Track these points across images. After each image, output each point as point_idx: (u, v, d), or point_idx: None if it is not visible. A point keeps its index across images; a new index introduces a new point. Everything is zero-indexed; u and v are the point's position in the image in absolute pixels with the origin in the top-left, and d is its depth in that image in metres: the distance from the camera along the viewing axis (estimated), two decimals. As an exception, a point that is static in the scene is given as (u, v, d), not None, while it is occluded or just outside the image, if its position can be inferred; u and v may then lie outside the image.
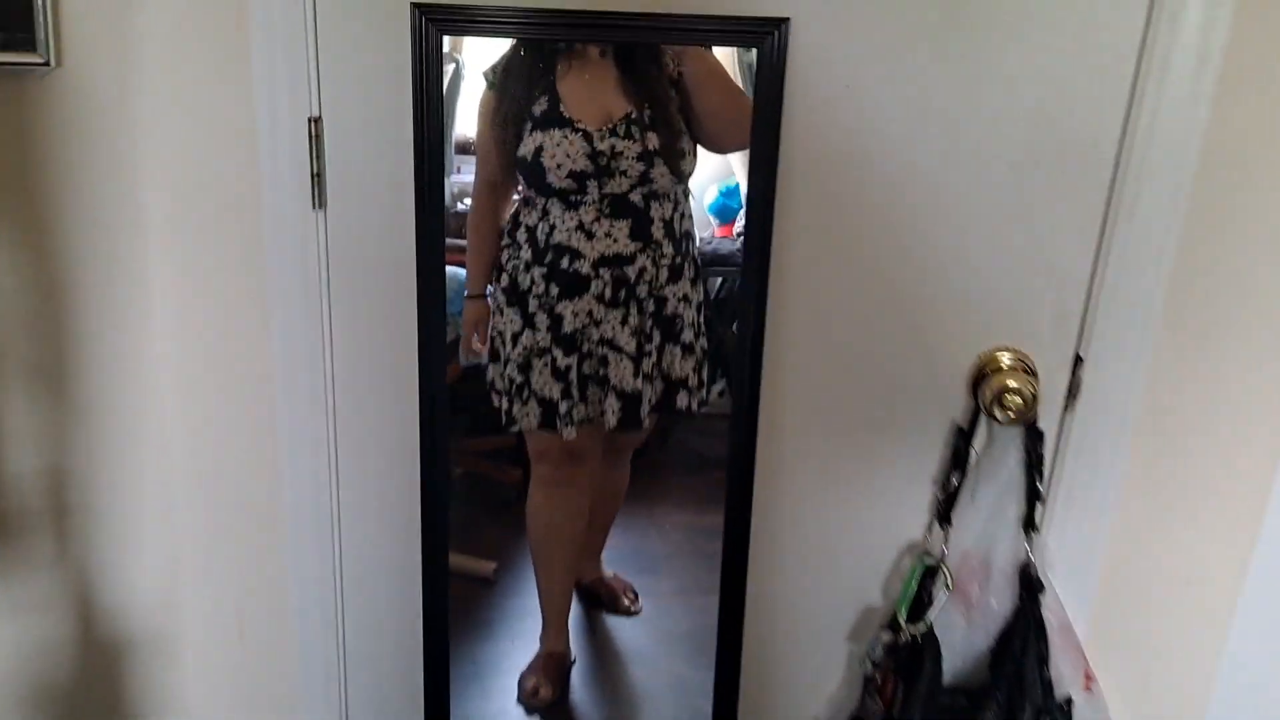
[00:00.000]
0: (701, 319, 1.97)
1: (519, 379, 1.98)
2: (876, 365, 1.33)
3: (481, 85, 1.61)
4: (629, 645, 2.15)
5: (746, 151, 1.34)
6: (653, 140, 1.71)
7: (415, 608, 1.48)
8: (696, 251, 1.94)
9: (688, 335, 1.92)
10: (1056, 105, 1.21)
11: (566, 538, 2.12)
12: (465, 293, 2.02)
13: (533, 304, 1.98)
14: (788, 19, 1.20)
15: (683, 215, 1.87)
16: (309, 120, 1.28)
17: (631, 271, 1.84)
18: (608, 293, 1.87)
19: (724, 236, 3.10)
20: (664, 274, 1.84)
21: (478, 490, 2.30)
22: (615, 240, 1.82)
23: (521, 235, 1.93)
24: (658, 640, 2.48)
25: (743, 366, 1.37)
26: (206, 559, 1.47)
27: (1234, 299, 1.25)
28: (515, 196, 1.86)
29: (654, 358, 1.90)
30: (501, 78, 1.76)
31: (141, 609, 1.46)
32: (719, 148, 1.78)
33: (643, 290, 1.86)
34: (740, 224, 2.57)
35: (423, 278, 1.32)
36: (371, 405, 1.41)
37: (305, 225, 1.32)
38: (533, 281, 1.97)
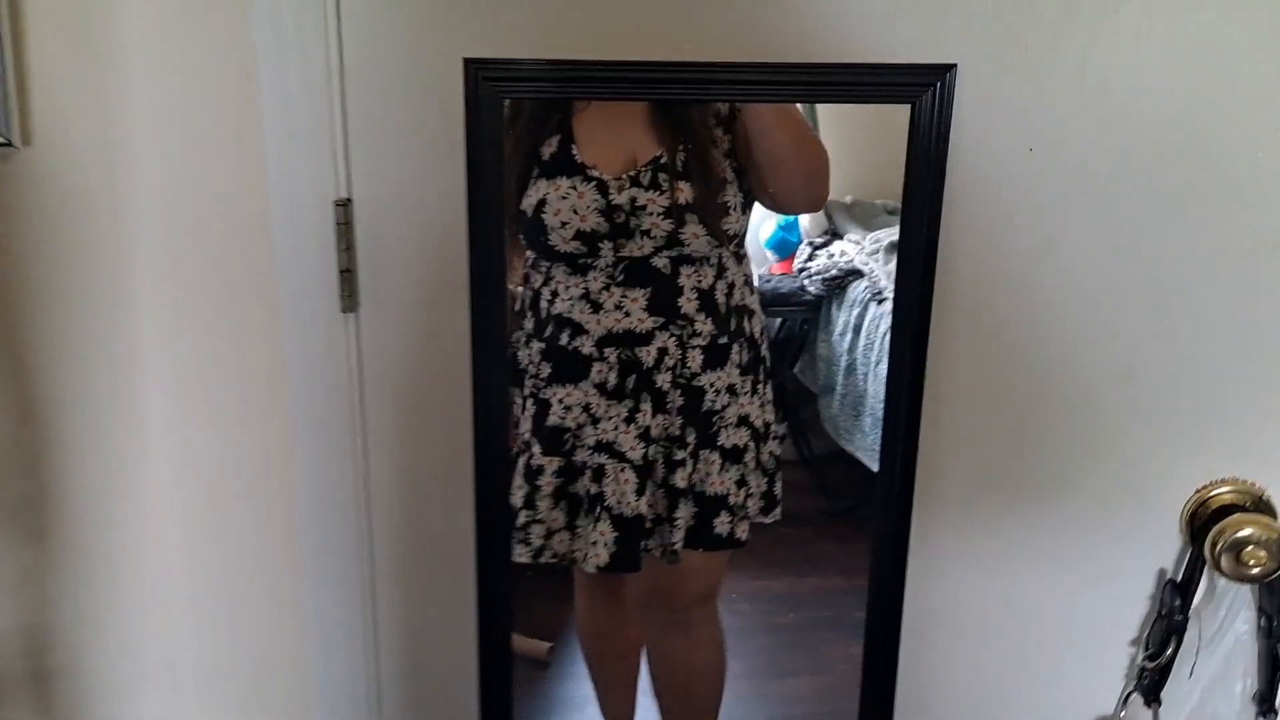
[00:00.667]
0: (763, 418, 1.64)
1: (516, 489, 1.69)
2: (1055, 487, 1.04)
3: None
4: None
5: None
6: (685, 192, 1.40)
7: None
8: (761, 331, 1.62)
9: (730, 438, 1.61)
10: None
11: (616, 650, 1.80)
12: None
13: (528, 387, 1.68)
14: (953, 66, 0.91)
15: (731, 286, 1.54)
16: (335, 204, 1.01)
17: (647, 354, 1.52)
18: (611, 379, 1.55)
19: (783, 273, 2.77)
20: (697, 358, 1.52)
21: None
22: (627, 314, 1.50)
23: (527, 302, 1.64)
24: (737, 735, 2.19)
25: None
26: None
27: None
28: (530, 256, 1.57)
29: (688, 468, 1.58)
30: (510, 114, 1.47)
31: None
32: (787, 207, 1.49)
33: (663, 379, 1.54)
34: (801, 259, 2.21)
35: (480, 394, 1.04)
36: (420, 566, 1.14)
37: (333, 332, 1.05)
38: (529, 360, 1.67)
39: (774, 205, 1.44)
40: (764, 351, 1.60)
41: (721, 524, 1.59)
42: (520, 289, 1.64)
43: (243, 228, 1.03)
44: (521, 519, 1.66)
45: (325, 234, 1.02)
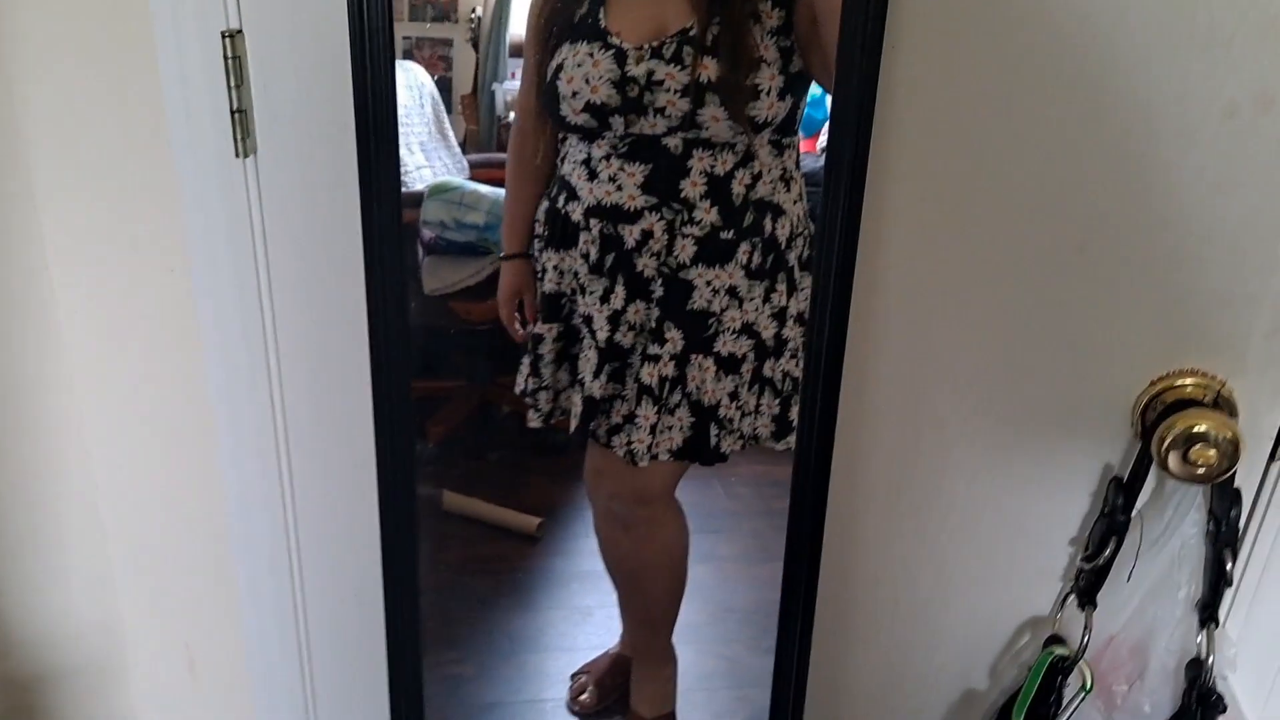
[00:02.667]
0: (775, 330, 1.53)
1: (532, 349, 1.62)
2: (999, 371, 0.95)
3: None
4: (680, 618, 1.84)
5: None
6: (709, 69, 1.28)
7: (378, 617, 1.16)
8: (792, 235, 1.50)
9: (729, 344, 1.50)
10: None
11: (624, 536, 1.75)
12: (500, 253, 1.66)
13: (535, 247, 1.60)
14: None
15: (756, 178, 1.42)
16: (223, 35, 0.93)
17: (629, 233, 1.43)
18: (593, 252, 1.47)
19: (807, 151, 2.66)
20: (689, 249, 1.42)
21: (524, 436, 1.99)
22: (620, 187, 1.41)
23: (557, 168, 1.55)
24: (716, 614, 2.18)
25: (819, 342, 0.93)
26: (140, 576, 1.18)
27: None
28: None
29: (664, 368, 1.50)
30: None
31: (73, 637, 1.20)
32: None
33: (645, 264, 1.45)
34: (825, 137, 2.09)
35: (370, 248, 0.97)
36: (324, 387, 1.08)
37: (229, 178, 0.98)
38: (540, 221, 1.59)
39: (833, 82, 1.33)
40: (793, 258, 1.49)
41: (714, 436, 1.52)
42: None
43: (127, 70, 0.95)
44: (530, 386, 1.62)
45: (214, 70, 0.94)
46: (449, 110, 2.92)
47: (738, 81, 1.28)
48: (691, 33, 1.28)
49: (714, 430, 1.50)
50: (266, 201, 1.00)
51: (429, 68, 2.92)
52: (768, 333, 1.48)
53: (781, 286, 1.47)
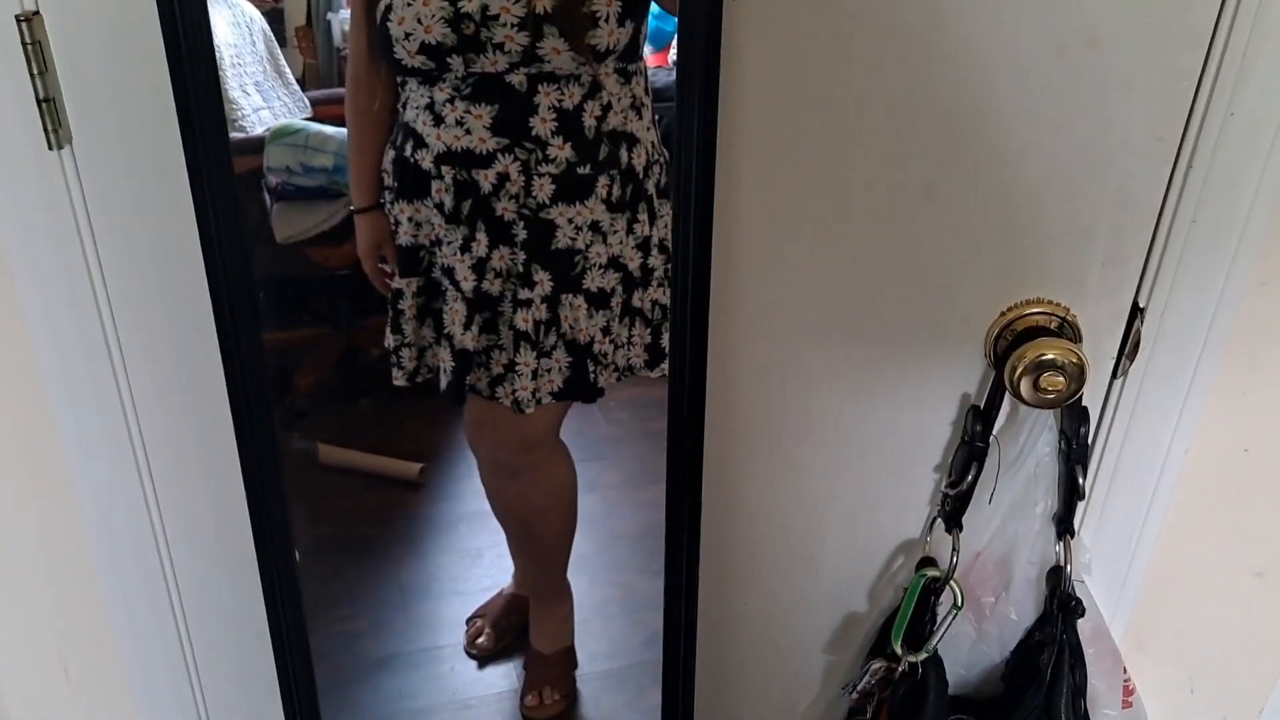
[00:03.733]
0: (641, 260, 1.52)
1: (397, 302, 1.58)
2: (856, 307, 0.96)
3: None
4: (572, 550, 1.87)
5: None
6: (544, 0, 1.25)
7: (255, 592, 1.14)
8: (648, 164, 1.48)
9: (598, 280, 1.48)
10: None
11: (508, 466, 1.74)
12: (351, 207, 1.59)
13: (386, 199, 1.55)
14: None
15: (606, 109, 1.39)
16: (18, 20, 0.85)
17: (485, 177, 1.40)
18: (448, 201, 1.44)
19: (659, 65, 2.63)
20: (547, 188, 1.39)
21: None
22: (469, 130, 1.37)
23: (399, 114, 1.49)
24: (605, 542, 2.21)
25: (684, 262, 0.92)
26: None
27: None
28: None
29: (536, 311, 1.47)
30: None
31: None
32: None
33: (504, 208, 1.41)
34: (675, 51, 2.05)
35: (204, 227, 0.92)
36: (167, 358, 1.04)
37: (44, 172, 0.91)
38: (385, 171, 1.53)
39: (670, 6, 1.29)
40: (650, 186, 1.47)
41: (591, 372, 1.51)
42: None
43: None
44: (391, 343, 1.58)
45: (13, 56, 0.86)
46: (283, 45, 2.77)
47: (574, 9, 1.25)
48: None
49: (590, 366, 1.50)
50: (89, 192, 0.93)
51: (258, 1, 2.76)
52: (634, 264, 1.48)
53: (643, 216, 1.46)
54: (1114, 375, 0.98)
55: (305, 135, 2.38)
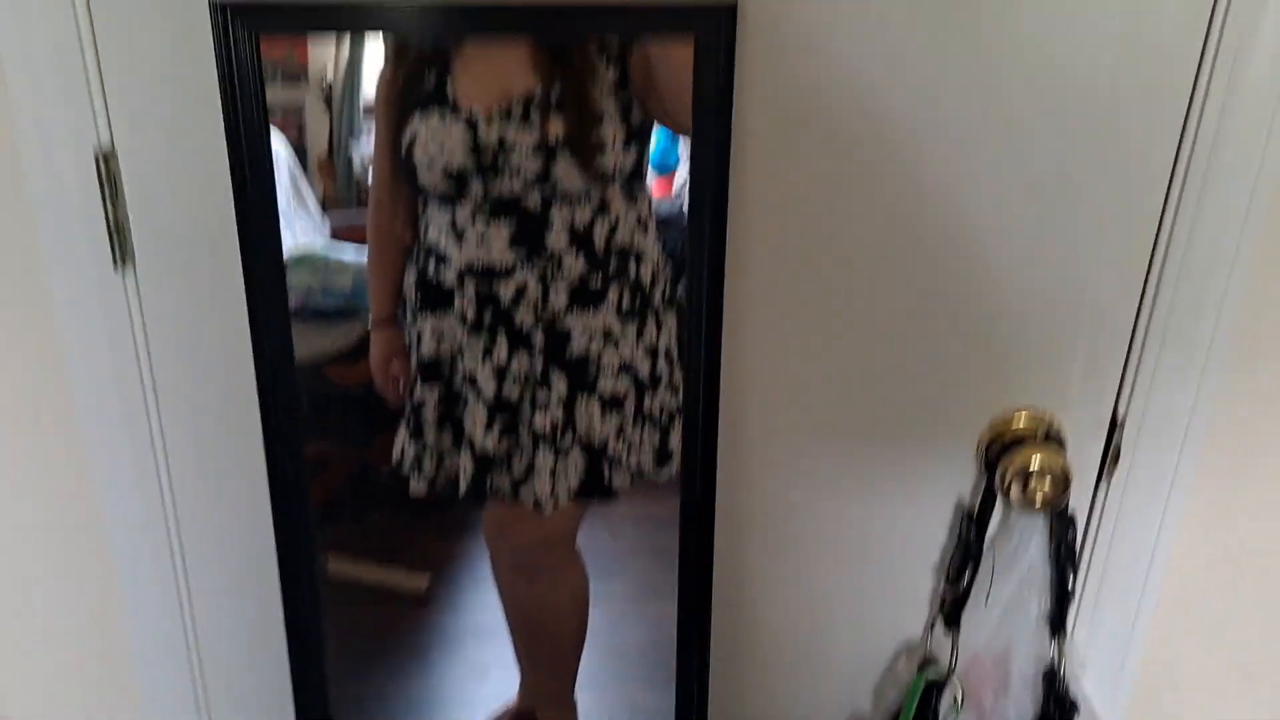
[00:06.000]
0: (650, 366, 1.60)
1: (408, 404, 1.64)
2: (857, 417, 1.04)
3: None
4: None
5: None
6: (556, 127, 1.35)
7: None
8: (654, 276, 1.58)
9: (610, 384, 1.59)
10: (1101, 101, 0.90)
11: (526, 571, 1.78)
12: (370, 321, 1.68)
13: (408, 318, 1.63)
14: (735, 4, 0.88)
15: (615, 226, 1.50)
16: (97, 158, 0.95)
17: (504, 289, 1.48)
18: (470, 312, 1.52)
19: (662, 196, 2.72)
20: (562, 298, 1.48)
21: (406, 495, 1.99)
22: (488, 246, 1.46)
23: (420, 234, 1.58)
24: (611, 656, 2.22)
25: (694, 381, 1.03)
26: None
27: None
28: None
29: (554, 413, 1.54)
30: (395, 47, 1.40)
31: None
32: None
33: (523, 316, 1.51)
34: (680, 180, 2.16)
35: (260, 353, 1.00)
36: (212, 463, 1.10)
37: (108, 289, 1.00)
38: (408, 290, 1.62)
39: (677, 126, 1.39)
40: (656, 298, 1.56)
41: (606, 474, 1.58)
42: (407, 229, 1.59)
43: None
44: (411, 451, 1.63)
45: (89, 187, 0.96)
46: (305, 170, 2.91)
47: (585, 138, 1.35)
48: (535, 97, 1.34)
49: (606, 468, 1.56)
50: (147, 308, 1.02)
51: (282, 130, 2.90)
52: (643, 369, 1.55)
53: (651, 325, 1.55)
54: (1098, 480, 1.05)
55: (326, 258, 2.49)
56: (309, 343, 2.67)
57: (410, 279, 1.59)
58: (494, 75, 1.38)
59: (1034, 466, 0.98)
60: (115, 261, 0.99)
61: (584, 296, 1.49)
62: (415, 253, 1.59)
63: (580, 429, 1.53)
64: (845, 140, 0.92)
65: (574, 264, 1.46)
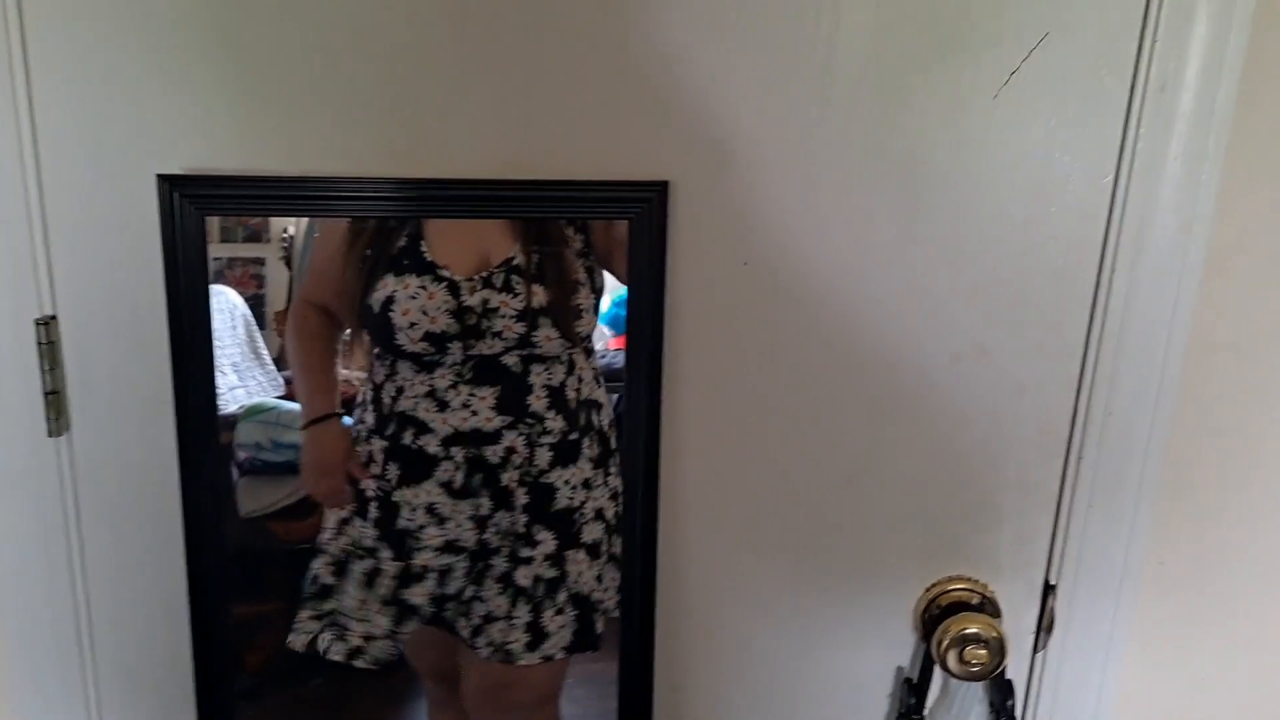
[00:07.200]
0: (615, 509, 1.61)
1: (326, 578, 1.60)
2: (793, 589, 1.04)
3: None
4: None
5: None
6: (539, 295, 1.38)
7: None
8: (610, 425, 1.59)
9: (591, 532, 1.58)
10: (1013, 278, 0.94)
11: None
12: (301, 423, 1.65)
13: (370, 489, 1.61)
14: (666, 183, 0.92)
15: (581, 381, 1.53)
16: (36, 323, 0.96)
17: (494, 453, 1.49)
18: (458, 479, 1.52)
19: (619, 349, 2.74)
20: (545, 456, 1.49)
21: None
22: (475, 412, 1.46)
23: (369, 395, 1.58)
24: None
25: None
26: None
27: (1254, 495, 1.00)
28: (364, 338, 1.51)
29: (540, 569, 1.52)
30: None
31: None
32: None
33: (509, 476, 1.52)
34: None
35: (190, 518, 1.00)
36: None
37: (41, 459, 0.99)
38: (371, 457, 1.61)
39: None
40: (613, 443, 1.58)
41: (593, 624, 1.56)
42: (359, 379, 1.58)
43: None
44: (352, 624, 1.59)
45: (26, 353, 0.96)
46: (262, 327, 2.93)
47: (565, 304, 1.38)
48: (516, 262, 1.37)
49: (593, 617, 1.54)
50: (80, 475, 1.01)
51: (241, 286, 2.92)
52: (610, 513, 1.56)
53: (613, 469, 1.55)
54: (1035, 647, 1.05)
55: (278, 413, 2.47)
56: (256, 497, 2.64)
57: (375, 449, 1.57)
58: (472, 239, 1.42)
59: (970, 633, 0.98)
60: (50, 430, 0.98)
61: (564, 452, 1.50)
62: (380, 423, 1.58)
63: (570, 581, 1.51)
64: (774, 309, 0.96)
65: (554, 422, 1.47)
